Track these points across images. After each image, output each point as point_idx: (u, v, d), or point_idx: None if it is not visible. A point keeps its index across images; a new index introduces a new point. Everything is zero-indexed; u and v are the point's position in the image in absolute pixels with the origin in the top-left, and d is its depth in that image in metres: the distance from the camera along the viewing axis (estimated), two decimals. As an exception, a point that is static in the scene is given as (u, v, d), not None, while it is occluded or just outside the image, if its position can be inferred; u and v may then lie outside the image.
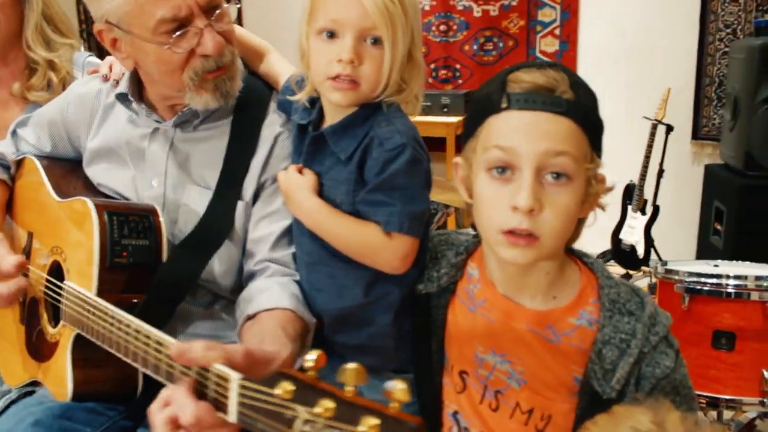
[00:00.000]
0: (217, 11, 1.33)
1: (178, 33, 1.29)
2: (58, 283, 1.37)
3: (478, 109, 1.16)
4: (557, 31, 3.98)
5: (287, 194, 1.33)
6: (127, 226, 1.30)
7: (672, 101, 3.57)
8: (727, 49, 3.69)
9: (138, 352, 1.11)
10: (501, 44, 4.10)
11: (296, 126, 1.37)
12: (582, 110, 1.10)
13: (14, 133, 1.67)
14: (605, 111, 1.15)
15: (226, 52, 1.35)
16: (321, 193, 1.29)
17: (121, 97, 1.48)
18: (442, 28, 4.20)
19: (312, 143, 1.32)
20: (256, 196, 1.41)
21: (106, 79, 1.56)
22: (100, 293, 1.26)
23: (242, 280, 1.43)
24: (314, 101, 1.34)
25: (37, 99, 1.86)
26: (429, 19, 4.19)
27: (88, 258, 1.28)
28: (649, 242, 3.49)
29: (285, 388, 0.79)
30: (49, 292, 1.41)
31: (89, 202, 1.31)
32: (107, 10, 1.31)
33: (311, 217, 1.29)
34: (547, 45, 4.01)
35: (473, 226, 1.27)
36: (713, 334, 2.05)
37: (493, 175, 1.12)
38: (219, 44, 1.32)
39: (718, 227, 3.39)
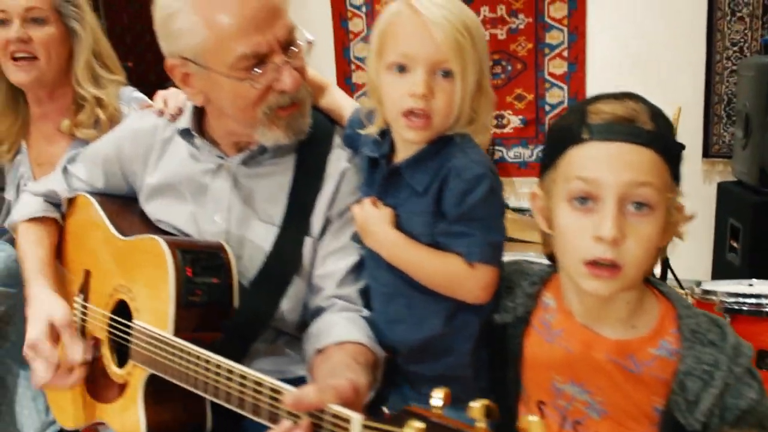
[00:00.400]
0: (293, 48, 1.34)
1: (257, 69, 1.29)
2: (127, 323, 1.36)
3: (557, 140, 1.17)
4: (565, 53, 4.01)
5: (364, 228, 1.33)
6: (199, 264, 1.29)
7: (681, 120, 3.60)
8: (734, 67, 3.73)
9: (232, 393, 1.10)
10: (509, 68, 4.12)
11: (366, 159, 1.38)
12: (662, 140, 1.12)
13: (65, 169, 1.66)
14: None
15: (300, 89, 1.36)
16: (397, 225, 1.30)
17: (184, 133, 1.48)
18: (450, 51, 4.21)
19: (387, 176, 1.32)
20: (322, 232, 1.41)
21: (161, 113, 1.56)
22: (176, 333, 1.25)
23: (307, 315, 1.43)
24: (383, 133, 1.35)
25: (86, 136, 1.85)
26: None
27: (163, 297, 1.27)
28: (665, 261, 3.50)
29: (415, 426, 0.78)
30: (115, 332, 1.40)
31: (161, 241, 1.30)
32: (185, 46, 1.31)
33: (391, 250, 1.30)
34: (556, 67, 4.04)
35: (549, 257, 1.28)
36: (758, 354, 2.06)
37: (575, 205, 1.13)
38: (297, 81, 1.33)
39: (735, 244, 3.41)
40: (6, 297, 1.64)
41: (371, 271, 1.38)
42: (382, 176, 1.34)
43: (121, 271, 1.42)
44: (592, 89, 3.91)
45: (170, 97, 1.56)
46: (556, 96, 4.06)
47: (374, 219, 1.31)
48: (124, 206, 1.57)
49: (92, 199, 1.56)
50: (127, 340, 1.35)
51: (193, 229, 1.47)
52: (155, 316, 1.29)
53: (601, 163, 1.10)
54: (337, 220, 1.42)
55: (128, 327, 1.35)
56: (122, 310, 1.41)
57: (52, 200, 1.65)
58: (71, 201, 1.64)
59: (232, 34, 1.27)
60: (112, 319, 1.42)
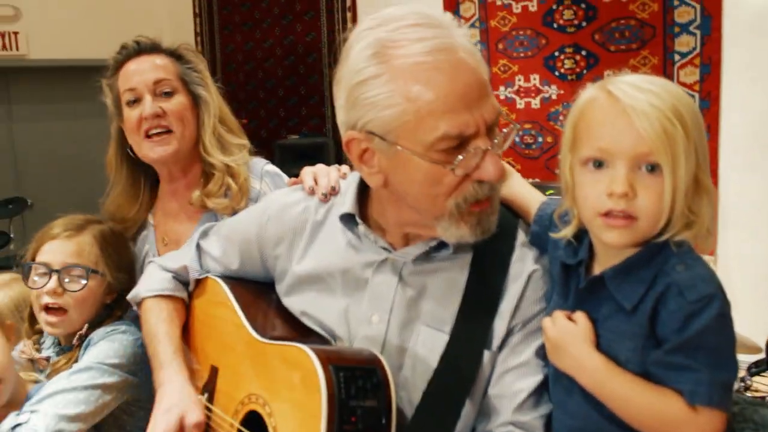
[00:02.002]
0: (499, 136, 1.15)
1: (461, 154, 1.10)
2: (262, 443, 1.16)
3: None
4: (697, 121, 3.74)
5: (559, 347, 1.11)
6: (355, 384, 1.08)
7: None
8: None
9: None
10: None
11: (559, 264, 1.16)
12: None
13: (198, 246, 1.50)
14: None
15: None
16: (597, 345, 1.08)
17: (346, 218, 1.28)
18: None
19: (585, 287, 1.11)
20: (501, 344, 1.19)
21: (312, 192, 1.37)
22: None
23: None
24: (579, 236, 1.14)
25: (216, 206, 1.71)
26: (556, 109, 4.00)
27: (311, 423, 1.05)
28: None
29: None
30: (244, 448, 1.21)
31: (312, 355, 1.09)
32: (373, 117, 1.12)
33: (592, 377, 1.08)
34: (686, 135, 3.77)
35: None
36: None
37: None
38: (501, 171, 1.14)
39: None
40: (131, 386, 1.48)
41: (559, 397, 1.15)
42: (580, 287, 1.12)
43: (257, 378, 1.22)
44: (725, 160, 3.61)
45: (321, 175, 1.38)
46: (687, 166, 3.78)
47: (572, 337, 1.09)
48: (258, 296, 1.38)
49: (224, 286, 1.39)
50: (261, 461, 1.15)
51: (343, 329, 1.26)
52: (300, 442, 1.09)
53: None
54: (520, 331, 1.20)
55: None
56: (253, 421, 1.22)
57: (181, 278, 1.49)
58: (198, 282, 1.47)
59: (437, 109, 1.08)
60: (241, 432, 1.23)
